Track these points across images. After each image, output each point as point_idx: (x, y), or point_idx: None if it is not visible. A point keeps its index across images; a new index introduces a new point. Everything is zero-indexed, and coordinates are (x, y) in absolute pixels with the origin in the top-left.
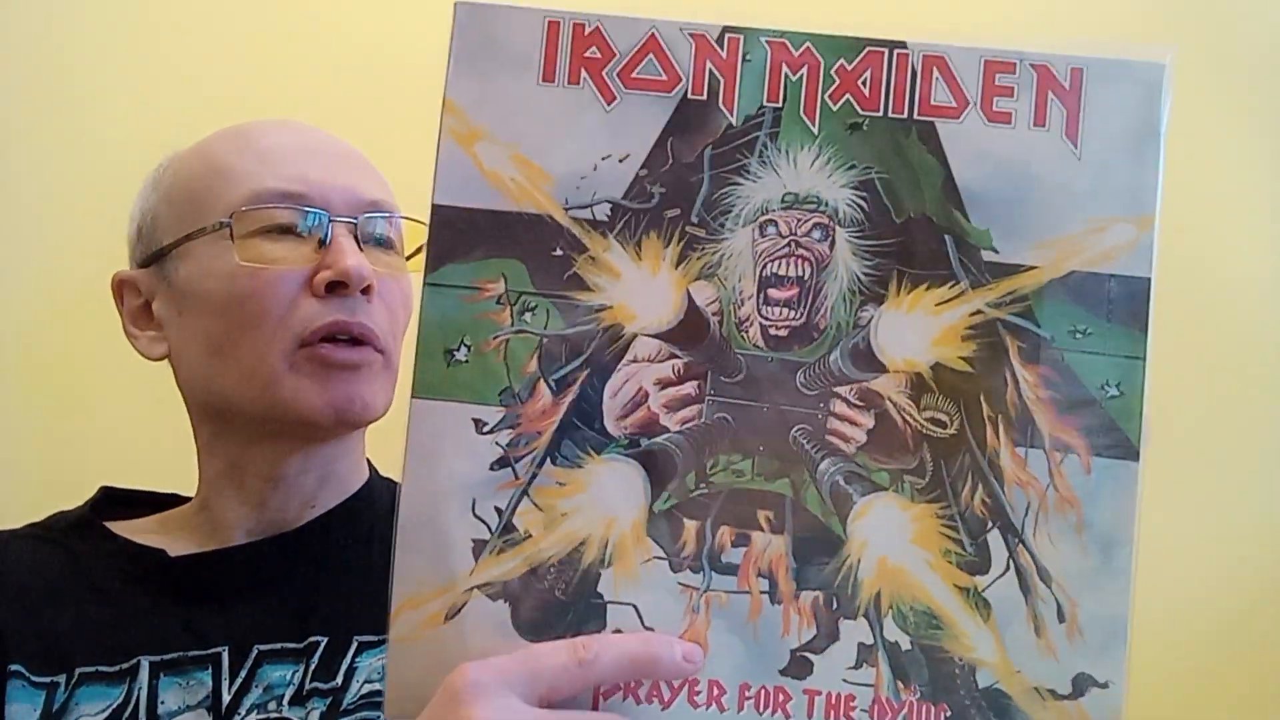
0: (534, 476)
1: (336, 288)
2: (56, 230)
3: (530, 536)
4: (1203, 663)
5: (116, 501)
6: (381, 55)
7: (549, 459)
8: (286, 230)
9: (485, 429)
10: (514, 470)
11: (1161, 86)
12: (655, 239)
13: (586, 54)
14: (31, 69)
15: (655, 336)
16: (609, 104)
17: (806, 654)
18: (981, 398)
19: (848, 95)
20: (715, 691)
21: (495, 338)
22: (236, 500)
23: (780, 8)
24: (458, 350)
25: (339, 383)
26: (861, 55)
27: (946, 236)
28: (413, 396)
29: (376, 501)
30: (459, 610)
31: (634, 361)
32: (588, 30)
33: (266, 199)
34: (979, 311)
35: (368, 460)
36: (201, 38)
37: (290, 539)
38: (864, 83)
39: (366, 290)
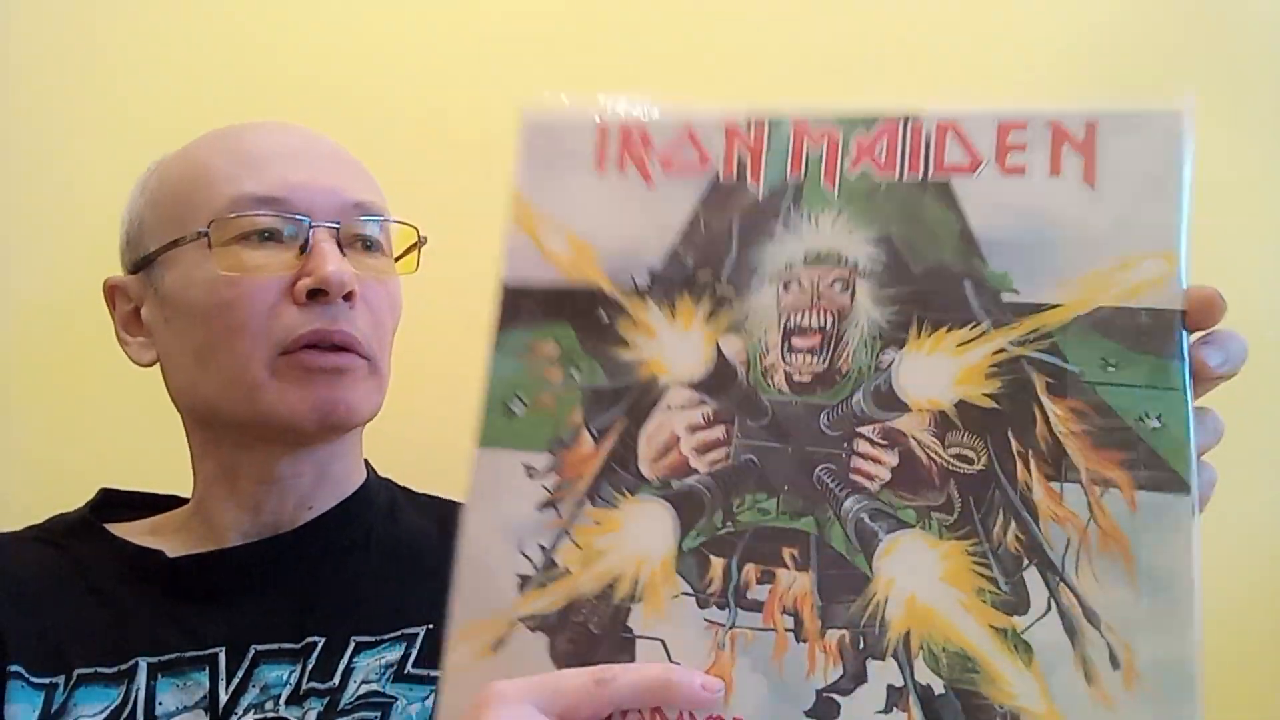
0: (575, 516)
1: (317, 295)
2: (57, 230)
3: (570, 573)
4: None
5: (116, 504)
6: (377, 57)
7: (589, 500)
8: (267, 236)
9: (535, 474)
10: (557, 511)
11: (1180, 134)
12: (688, 299)
13: (631, 148)
14: (32, 69)
15: (688, 386)
16: (650, 188)
17: (833, 695)
18: (1009, 433)
19: (865, 163)
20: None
21: (547, 392)
22: (231, 503)
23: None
24: (514, 405)
25: (322, 388)
26: (878, 127)
27: (965, 281)
28: (477, 446)
29: (374, 502)
30: (504, 642)
31: (668, 409)
32: (632, 126)
33: (246, 205)
34: (1002, 350)
35: (366, 461)
36: (201, 38)
37: (288, 540)
38: (880, 152)
39: (349, 296)
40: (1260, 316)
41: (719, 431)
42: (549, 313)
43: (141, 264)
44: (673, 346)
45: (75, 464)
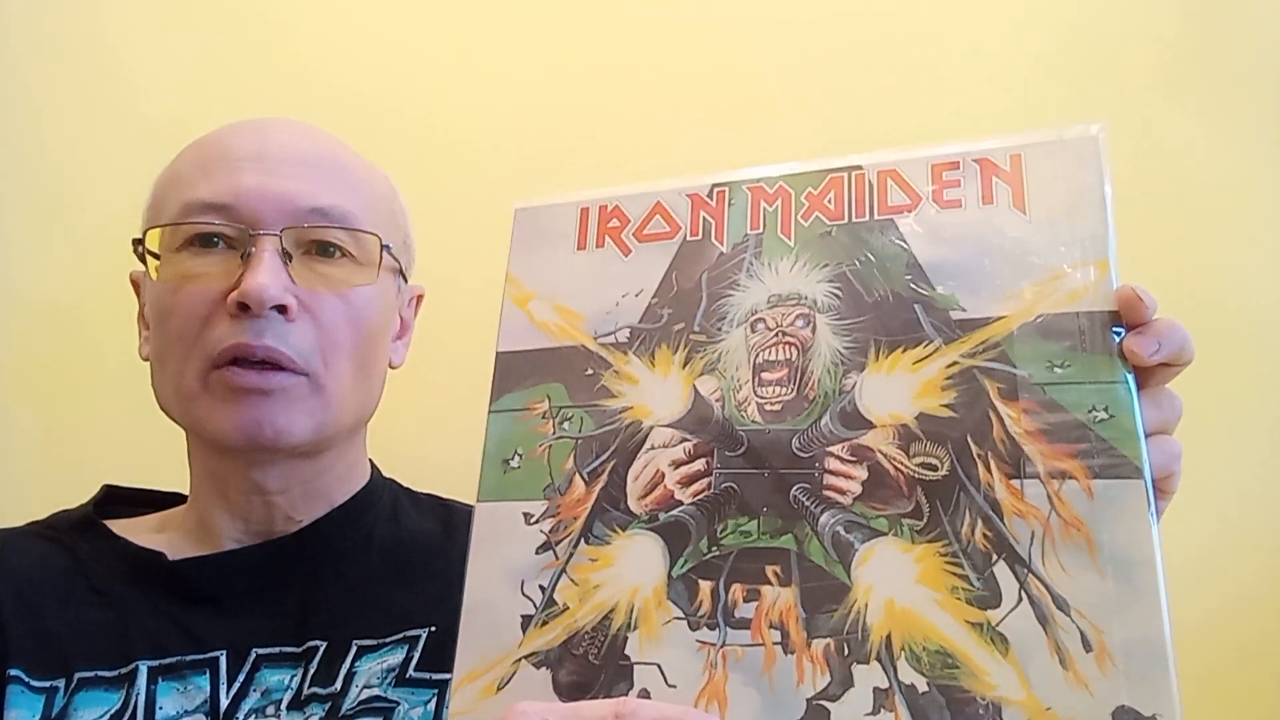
0: (571, 556)
1: (246, 307)
2: (57, 230)
3: (568, 609)
4: (1203, 664)
5: (118, 500)
6: (387, 58)
7: (583, 539)
8: (213, 242)
9: (532, 520)
10: (554, 552)
11: (1098, 153)
12: (666, 349)
13: (609, 225)
14: (33, 68)
15: (669, 426)
16: (626, 256)
17: (823, 702)
18: (968, 438)
19: (816, 213)
20: None
21: (540, 445)
22: (222, 508)
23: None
24: (512, 460)
25: (247, 406)
26: (825, 181)
27: (916, 305)
28: (477, 501)
29: (376, 504)
30: (509, 681)
31: (652, 449)
32: (609, 209)
33: (192, 210)
34: (955, 363)
35: (370, 461)
36: (200, 39)
37: (289, 543)
38: (830, 201)
39: (284, 310)
40: (1261, 316)
41: (700, 464)
42: (540, 373)
43: (142, 259)
44: (654, 392)
45: (75, 463)
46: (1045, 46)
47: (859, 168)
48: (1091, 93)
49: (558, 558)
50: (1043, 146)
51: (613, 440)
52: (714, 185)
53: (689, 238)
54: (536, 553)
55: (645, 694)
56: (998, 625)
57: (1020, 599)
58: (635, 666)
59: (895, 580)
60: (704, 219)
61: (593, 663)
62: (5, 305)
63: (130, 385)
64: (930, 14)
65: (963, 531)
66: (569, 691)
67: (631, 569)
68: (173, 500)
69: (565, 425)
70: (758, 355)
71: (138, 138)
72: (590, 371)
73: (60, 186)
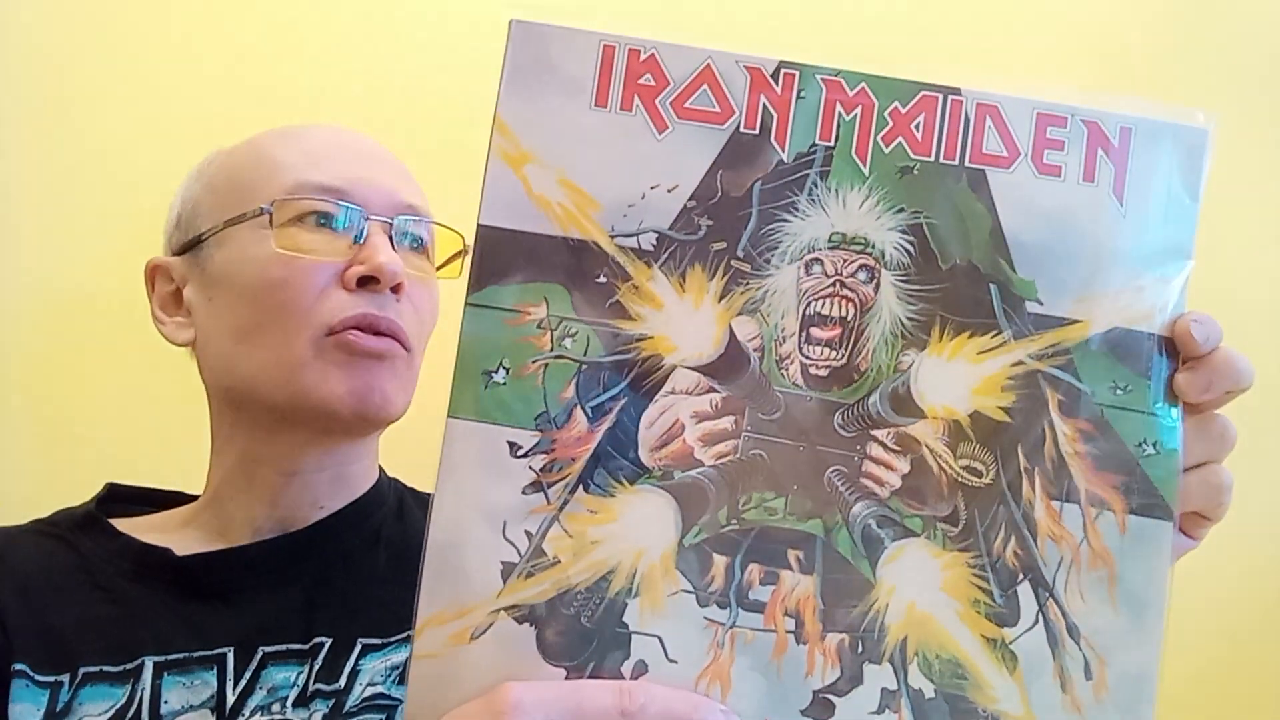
0: (565, 503)
1: (368, 282)
2: (57, 230)
3: (559, 562)
4: (1203, 666)
5: (121, 498)
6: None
7: (581, 486)
8: (324, 223)
9: (520, 453)
10: (546, 495)
11: (1205, 151)
12: (700, 271)
13: (640, 81)
14: (32, 69)
15: (694, 369)
16: (660, 133)
17: (829, 696)
18: (1019, 449)
19: (900, 138)
20: None
21: (534, 361)
22: (248, 496)
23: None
24: (496, 372)
25: (363, 371)
26: (916, 99)
27: (992, 285)
28: (449, 416)
29: (384, 503)
30: (484, 631)
31: (672, 393)
32: (643, 57)
33: (308, 190)
34: (1020, 362)
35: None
36: (201, 40)
37: (296, 539)
38: (917, 126)
39: (397, 289)
40: (1261, 316)
41: (727, 422)
42: (537, 267)
43: (191, 244)
44: (681, 323)
45: (75, 462)
46: (1046, 46)
47: (958, 92)
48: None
49: (549, 502)
50: (1155, 128)
51: (625, 373)
52: (781, 65)
53: (743, 129)
54: (524, 493)
55: (642, 666)
56: (1011, 643)
57: (1037, 621)
58: (634, 636)
59: (920, 585)
60: (764, 107)
61: (585, 625)
62: (5, 305)
63: (129, 385)
64: (931, 15)
65: (995, 545)
66: (556, 654)
67: (637, 529)
68: (175, 499)
69: (567, 343)
70: (809, 305)
71: (141, 137)
72: (603, 279)
73: (61, 187)
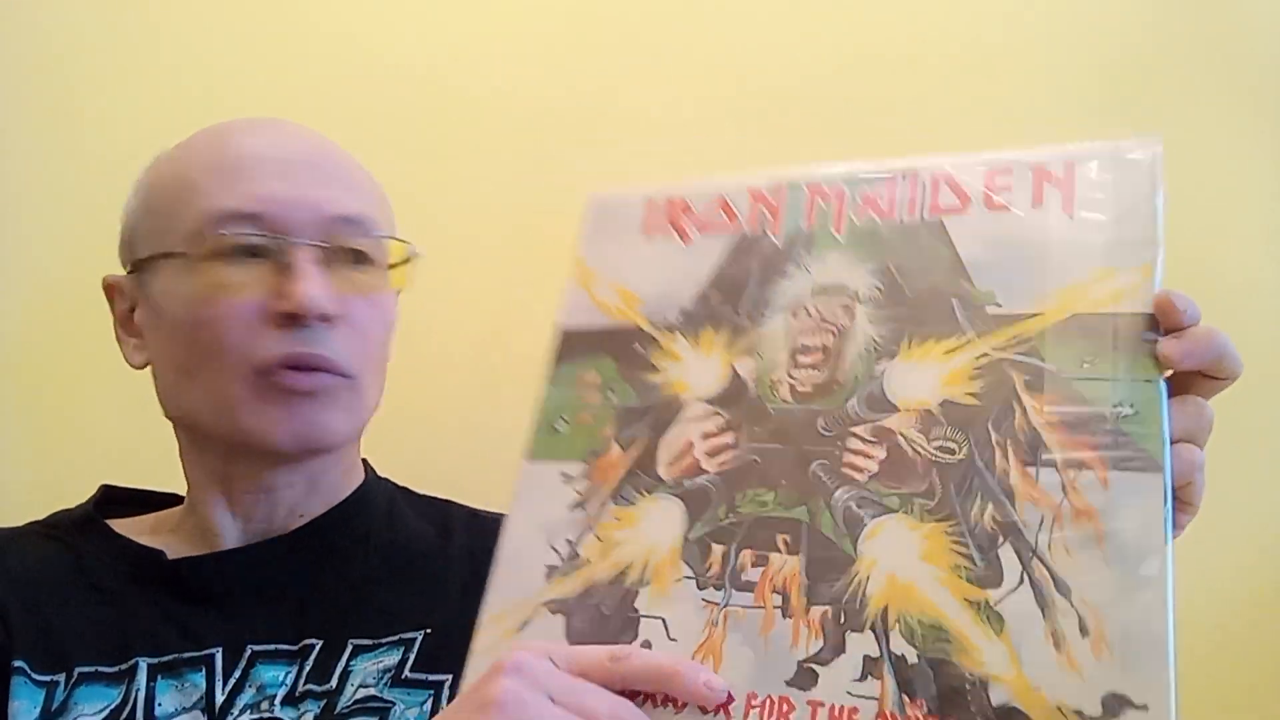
0: (599, 514)
1: (293, 318)
2: (56, 229)
3: (590, 562)
4: (1202, 667)
5: (117, 500)
6: (377, 57)
7: (613, 500)
8: (248, 252)
9: (570, 480)
10: (585, 510)
11: (1153, 171)
12: (710, 330)
13: (672, 215)
14: (32, 68)
15: (704, 401)
16: (687, 245)
17: (813, 665)
18: (989, 425)
19: (869, 211)
20: (725, 699)
21: (586, 412)
22: (223, 508)
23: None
24: (558, 425)
25: (299, 409)
26: (880, 182)
27: (953, 299)
28: (523, 459)
29: (372, 504)
30: (528, 623)
31: (685, 421)
32: (674, 198)
33: (225, 222)
34: (985, 354)
35: (364, 460)
36: (199, 37)
37: (286, 542)
38: (882, 200)
39: (327, 318)
40: (1260, 315)
41: (728, 437)
42: (595, 349)
43: (135, 266)
44: (695, 368)
45: (75, 462)
46: (1048, 49)
47: (914, 170)
48: (1092, 92)
49: (587, 514)
50: (1096, 151)
51: (651, 411)
52: (776, 182)
53: (747, 231)
54: (570, 510)
55: (648, 645)
56: (996, 605)
57: (1021, 580)
58: (642, 619)
59: (899, 555)
60: (762, 213)
61: (604, 613)
62: (5, 304)
63: (130, 385)
64: (933, 17)
65: (972, 513)
66: (578, 636)
67: (652, 529)
68: (170, 501)
69: (611, 395)
70: (796, 340)
71: (137, 133)
72: (639, 348)
73: (61, 186)
